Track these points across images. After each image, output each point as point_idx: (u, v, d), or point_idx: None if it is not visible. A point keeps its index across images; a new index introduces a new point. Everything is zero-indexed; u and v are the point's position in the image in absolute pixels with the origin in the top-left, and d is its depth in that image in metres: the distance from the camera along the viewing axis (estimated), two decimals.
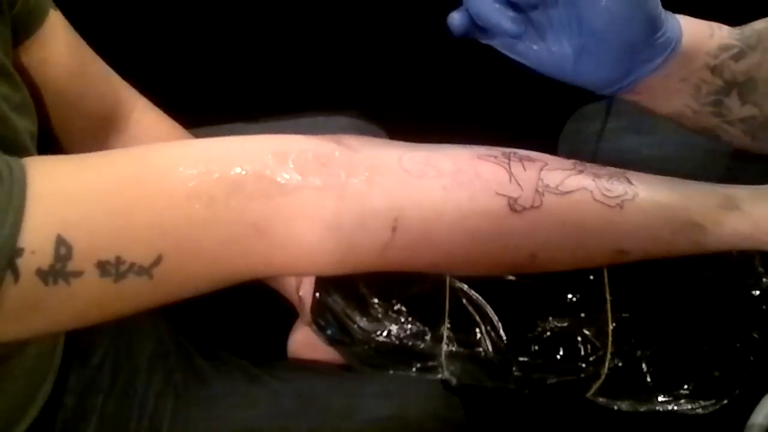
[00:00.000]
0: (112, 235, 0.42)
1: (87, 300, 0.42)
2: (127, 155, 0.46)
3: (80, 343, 0.67)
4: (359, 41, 0.89)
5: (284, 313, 0.76)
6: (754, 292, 0.50)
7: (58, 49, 0.63)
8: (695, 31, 0.53)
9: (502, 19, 0.50)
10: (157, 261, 0.42)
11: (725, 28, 0.55)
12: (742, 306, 0.50)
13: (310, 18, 0.90)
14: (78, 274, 0.41)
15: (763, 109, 0.54)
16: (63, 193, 0.41)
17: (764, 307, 0.49)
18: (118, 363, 0.69)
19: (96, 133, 0.69)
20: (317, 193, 0.45)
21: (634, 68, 0.51)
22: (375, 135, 0.82)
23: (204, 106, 0.80)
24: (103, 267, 0.41)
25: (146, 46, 0.87)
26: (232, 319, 0.78)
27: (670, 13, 0.52)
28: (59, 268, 0.40)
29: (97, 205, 0.41)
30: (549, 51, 0.52)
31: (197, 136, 0.73)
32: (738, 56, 0.54)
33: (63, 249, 0.40)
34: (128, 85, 0.71)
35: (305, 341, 0.76)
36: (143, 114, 0.72)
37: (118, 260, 0.41)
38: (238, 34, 0.91)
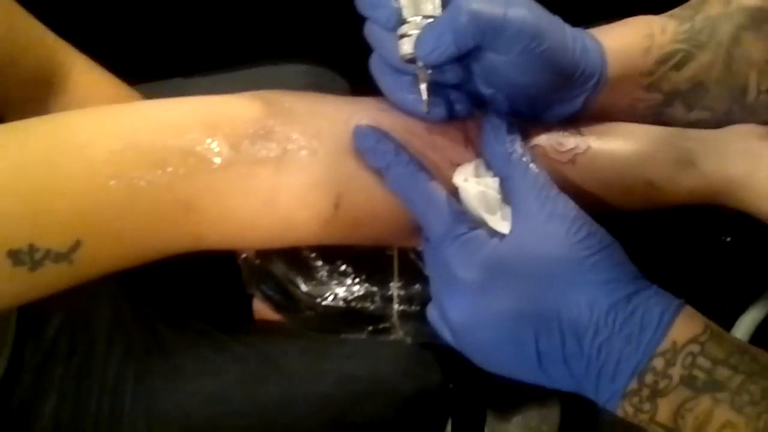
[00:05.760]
0: (23, 222, 0.40)
1: (1, 289, 0.41)
2: (39, 131, 0.43)
3: (34, 316, 0.65)
4: None
5: None
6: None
7: None
8: (626, 53, 0.47)
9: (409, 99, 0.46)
10: (75, 246, 0.41)
11: (671, 26, 0.47)
12: (713, 250, 0.47)
13: None
14: None
15: (716, 111, 0.48)
16: None
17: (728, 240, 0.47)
18: (75, 334, 0.67)
19: (33, 97, 0.65)
20: (251, 167, 0.42)
21: (552, 108, 0.47)
22: (335, 83, 0.79)
23: (151, 59, 0.77)
24: (15, 256, 0.39)
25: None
26: (194, 283, 0.75)
27: (592, 37, 0.46)
28: None
29: (5, 190, 0.39)
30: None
31: (145, 93, 0.70)
32: (682, 62, 0.47)
33: None
34: (66, 43, 0.67)
35: None
36: (83, 74, 0.68)
37: (32, 248, 0.40)
38: None
